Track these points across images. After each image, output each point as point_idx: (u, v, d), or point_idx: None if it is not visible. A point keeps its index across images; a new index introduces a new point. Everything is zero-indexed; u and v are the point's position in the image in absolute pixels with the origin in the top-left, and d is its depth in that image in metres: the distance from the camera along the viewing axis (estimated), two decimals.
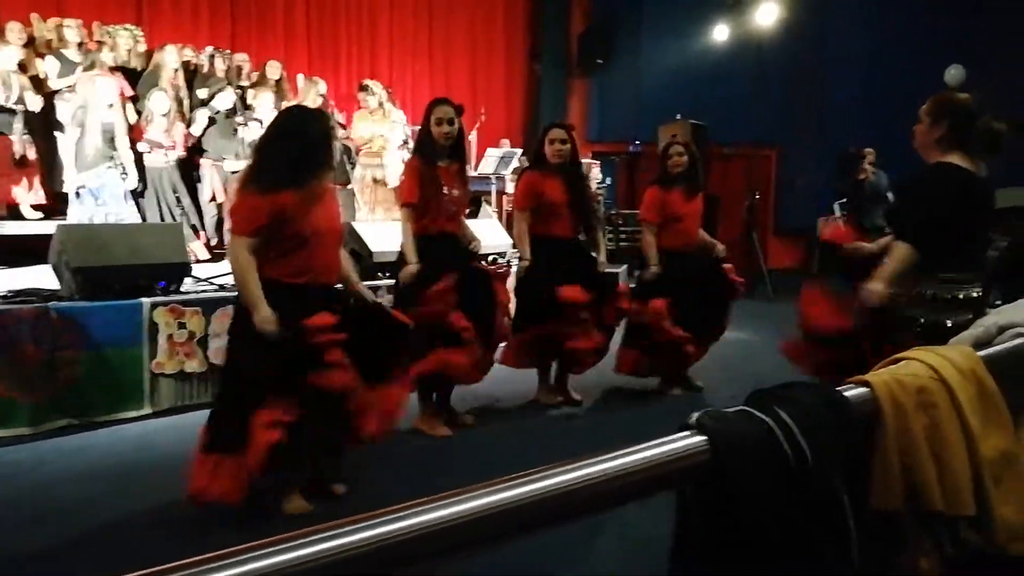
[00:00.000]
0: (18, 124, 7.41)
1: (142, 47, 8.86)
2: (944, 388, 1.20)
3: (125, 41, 8.56)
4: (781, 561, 1.00)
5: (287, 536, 0.71)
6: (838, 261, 3.72)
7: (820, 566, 1.03)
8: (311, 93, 9.46)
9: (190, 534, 3.22)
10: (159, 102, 7.87)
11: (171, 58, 8.47)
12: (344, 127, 9.47)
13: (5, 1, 8.77)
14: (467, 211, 5.26)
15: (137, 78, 8.40)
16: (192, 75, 8.90)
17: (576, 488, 0.88)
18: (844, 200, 10.17)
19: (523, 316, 5.13)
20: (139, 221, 7.40)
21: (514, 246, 5.49)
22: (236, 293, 3.20)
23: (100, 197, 7.09)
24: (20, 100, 7.37)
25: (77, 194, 7.21)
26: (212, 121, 8.45)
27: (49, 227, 6.00)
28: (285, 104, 9.46)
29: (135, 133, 7.72)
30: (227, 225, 6.92)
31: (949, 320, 3.03)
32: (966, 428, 1.17)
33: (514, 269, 5.66)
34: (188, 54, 9.11)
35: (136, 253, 5.16)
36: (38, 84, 7.65)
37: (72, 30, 8.05)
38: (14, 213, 7.52)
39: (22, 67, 7.63)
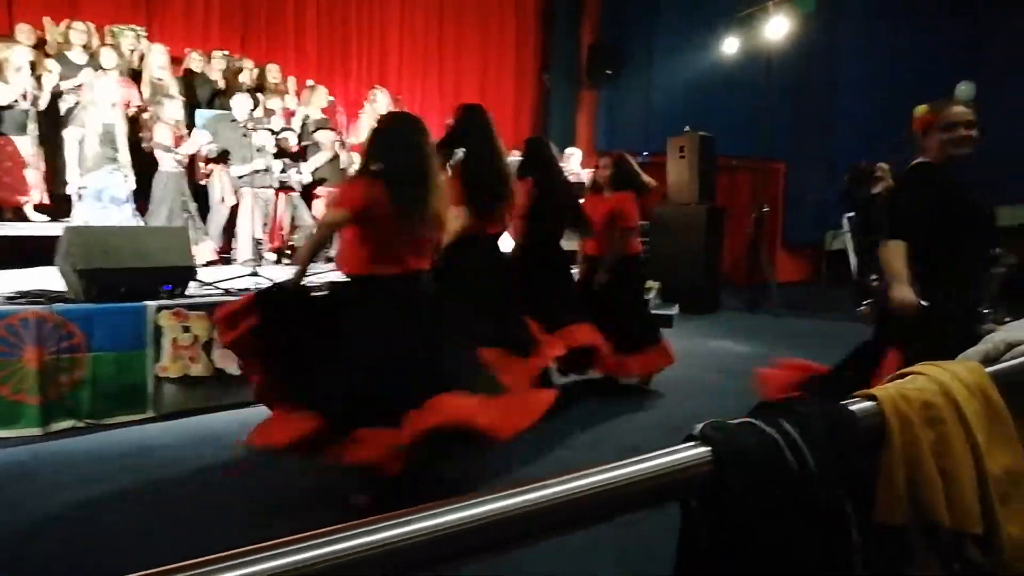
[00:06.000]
0: (32, 124, 7.44)
1: (145, 47, 8.81)
2: (951, 404, 1.18)
3: (129, 42, 8.55)
4: (784, 574, 0.99)
5: (292, 539, 0.71)
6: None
7: None
8: (313, 99, 9.50)
9: (192, 537, 3.20)
10: (169, 108, 7.89)
11: (157, 58, 8.40)
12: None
13: (19, 4, 8.84)
14: None
15: (139, 78, 8.41)
16: (193, 79, 8.90)
17: (580, 497, 0.88)
18: (852, 214, 10.18)
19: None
20: (139, 224, 7.35)
21: None
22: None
23: (101, 199, 7.09)
24: (32, 101, 7.40)
25: (79, 195, 7.22)
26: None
27: (55, 228, 6.01)
28: (290, 108, 9.49)
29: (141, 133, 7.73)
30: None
31: None
32: (973, 444, 1.16)
33: None
34: (195, 58, 9.14)
35: (142, 256, 5.14)
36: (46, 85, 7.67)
37: (77, 33, 8.07)
38: (21, 214, 7.54)
39: (32, 68, 7.67)
